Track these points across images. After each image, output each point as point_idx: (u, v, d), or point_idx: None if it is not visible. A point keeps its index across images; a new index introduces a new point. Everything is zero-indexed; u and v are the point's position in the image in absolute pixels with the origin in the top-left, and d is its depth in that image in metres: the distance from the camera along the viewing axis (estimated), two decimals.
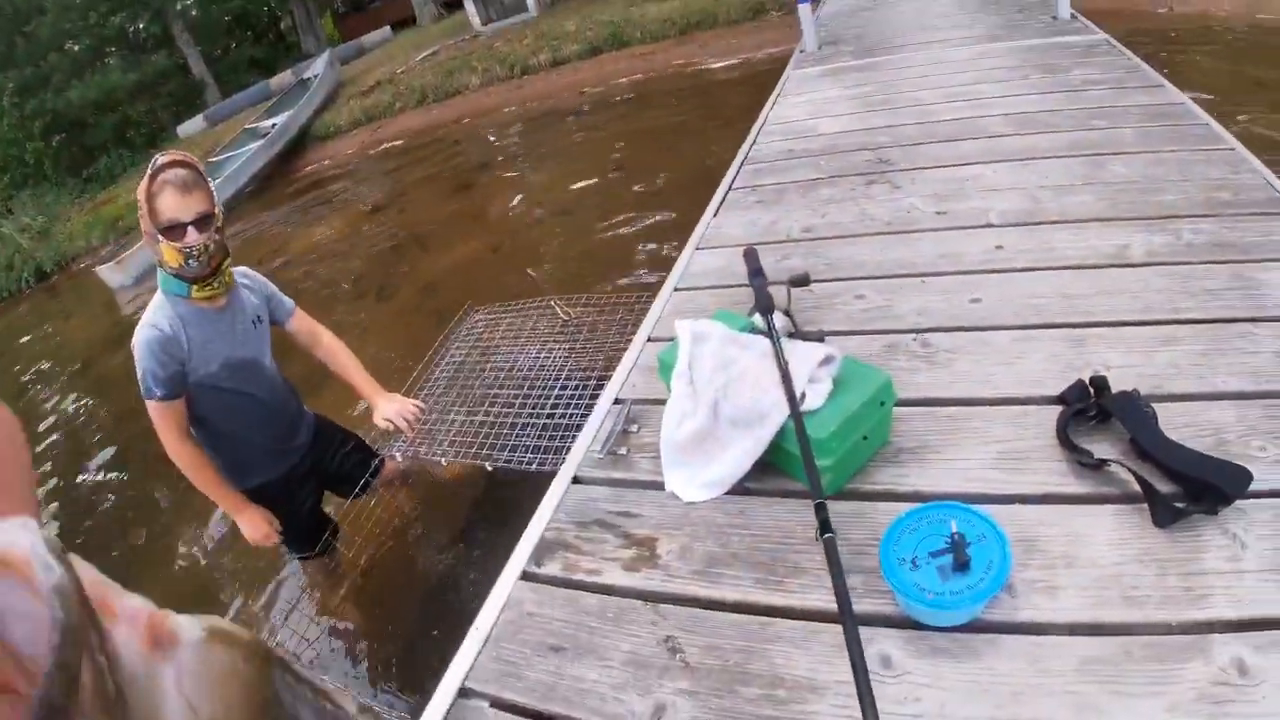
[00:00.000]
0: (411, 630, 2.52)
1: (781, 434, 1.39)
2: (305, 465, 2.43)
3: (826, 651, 1.19)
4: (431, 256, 5.97)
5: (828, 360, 1.41)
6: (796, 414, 1.32)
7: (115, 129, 16.39)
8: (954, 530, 1.20)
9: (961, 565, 1.15)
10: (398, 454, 2.58)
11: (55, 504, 4.13)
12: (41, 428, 5.44)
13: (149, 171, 1.86)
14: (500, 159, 8.51)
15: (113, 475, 4.42)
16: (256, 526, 2.33)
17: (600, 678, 1.23)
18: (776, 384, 1.40)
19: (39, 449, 5.11)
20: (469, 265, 5.42)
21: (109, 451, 4.71)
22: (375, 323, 5.04)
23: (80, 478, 4.54)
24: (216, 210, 1.94)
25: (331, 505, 2.78)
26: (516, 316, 2.93)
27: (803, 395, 1.37)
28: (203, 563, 3.25)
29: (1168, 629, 1.11)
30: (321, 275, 6.44)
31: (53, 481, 4.53)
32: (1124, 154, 2.48)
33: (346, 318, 5.14)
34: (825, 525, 1.17)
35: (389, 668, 2.46)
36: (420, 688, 2.17)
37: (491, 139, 9.38)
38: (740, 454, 1.42)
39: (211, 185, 1.94)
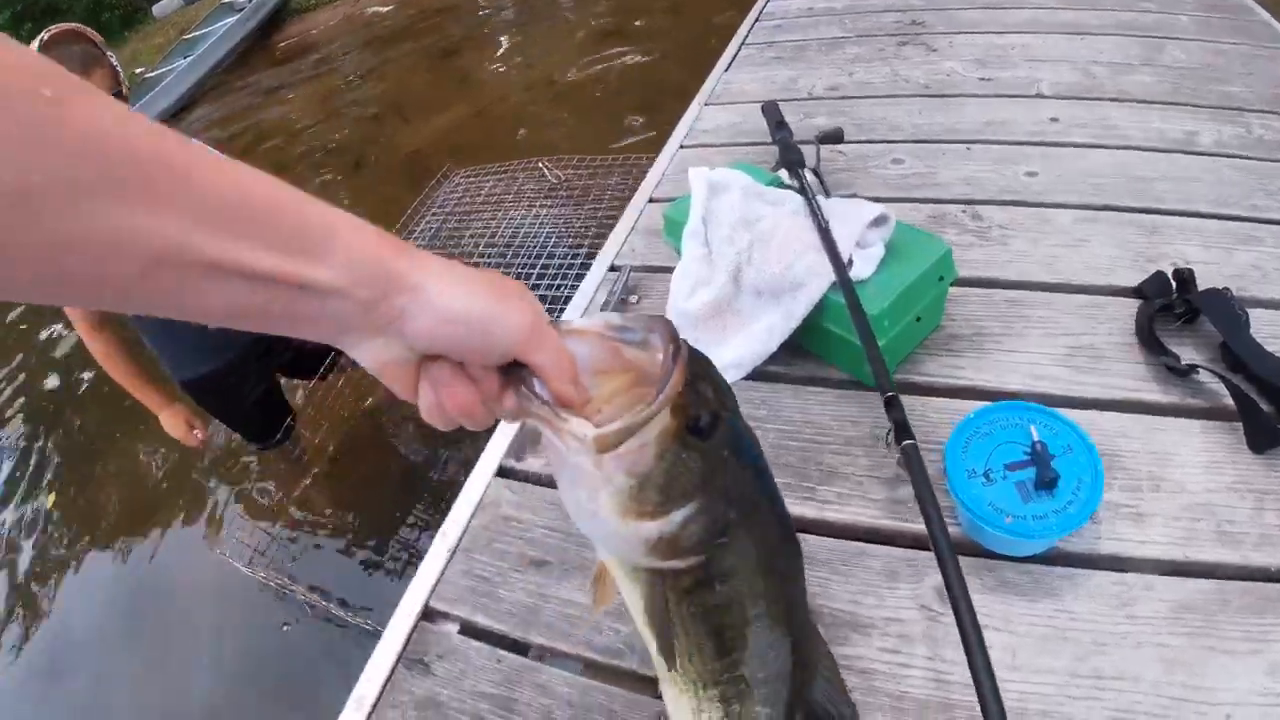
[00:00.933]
0: (383, 526, 2.27)
1: (820, 309, 1.09)
2: (257, 350, 2.14)
3: (872, 579, 0.95)
4: (413, 125, 5.48)
5: (880, 221, 1.10)
6: (847, 283, 1.02)
7: (88, 12, 15.01)
8: (1035, 438, 0.94)
9: (1047, 483, 0.89)
10: None
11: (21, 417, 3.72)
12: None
13: (34, 50, 1.46)
14: (489, 25, 7.83)
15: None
16: (175, 426, 2.14)
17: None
18: (814, 247, 1.10)
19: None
20: (452, 131, 4.96)
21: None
22: (351, 193, 4.62)
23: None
24: (124, 87, 1.63)
25: (298, 392, 2.48)
26: (500, 179, 2.57)
27: (849, 261, 1.07)
28: (159, 457, 2.93)
29: (1267, 575, 0.90)
30: (298, 147, 5.93)
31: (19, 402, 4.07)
32: (1181, 40, 2.14)
33: (322, 189, 4.70)
34: (903, 428, 0.88)
35: (357, 567, 2.22)
36: (390, 596, 1.97)
37: (481, 4, 8.63)
38: (766, 331, 1.12)
39: (113, 59, 1.60)
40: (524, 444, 1.20)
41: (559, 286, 1.95)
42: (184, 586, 2.41)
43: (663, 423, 0.54)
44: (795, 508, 1.03)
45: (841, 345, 1.09)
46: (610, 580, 0.70)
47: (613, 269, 1.49)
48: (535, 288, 2.02)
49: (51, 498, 2.99)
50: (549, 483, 1.14)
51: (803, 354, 1.19)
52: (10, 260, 0.34)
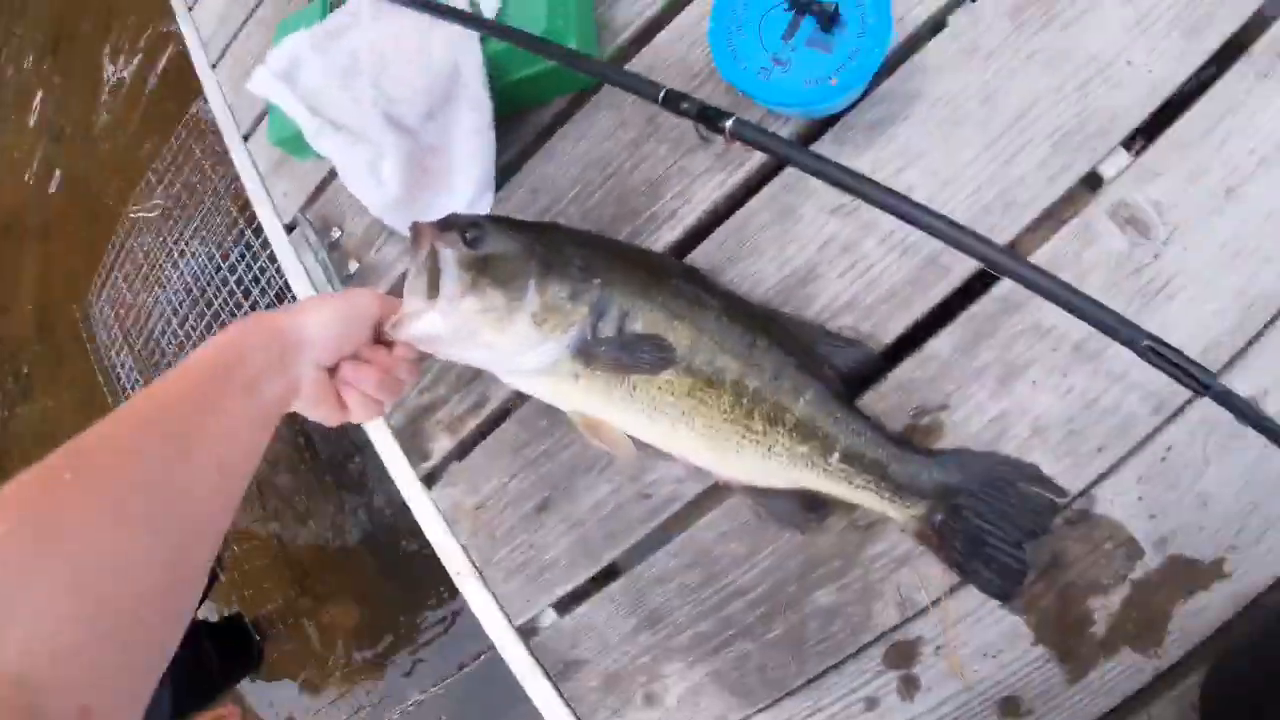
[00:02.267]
0: (406, 596, 2.05)
1: (499, 70, 0.85)
2: None
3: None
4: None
5: None
6: (496, 27, 0.79)
7: None
8: None
9: (827, 20, 0.73)
10: None
11: None
12: None
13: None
14: None
15: None
16: None
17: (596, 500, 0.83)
18: (424, 29, 0.83)
19: None
20: (38, 276, 3.67)
21: None
22: (47, 416, 3.54)
23: None
24: None
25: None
26: (123, 266, 2.03)
27: (473, 4, 0.81)
28: None
29: None
30: None
31: None
32: None
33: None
34: (707, 110, 0.70)
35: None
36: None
37: None
38: (474, 135, 0.89)
39: None
40: (418, 436, 0.98)
41: (265, 283, 1.56)
42: None
43: (448, 254, 0.70)
44: (658, 245, 0.87)
45: (545, 79, 0.86)
46: (600, 423, 0.75)
47: (290, 228, 1.17)
48: (251, 301, 1.63)
49: None
50: (471, 443, 0.95)
51: (517, 118, 0.95)
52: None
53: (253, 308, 1.58)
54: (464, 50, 0.84)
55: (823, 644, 0.79)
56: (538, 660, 0.88)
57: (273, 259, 1.46)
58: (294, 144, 0.99)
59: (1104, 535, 0.73)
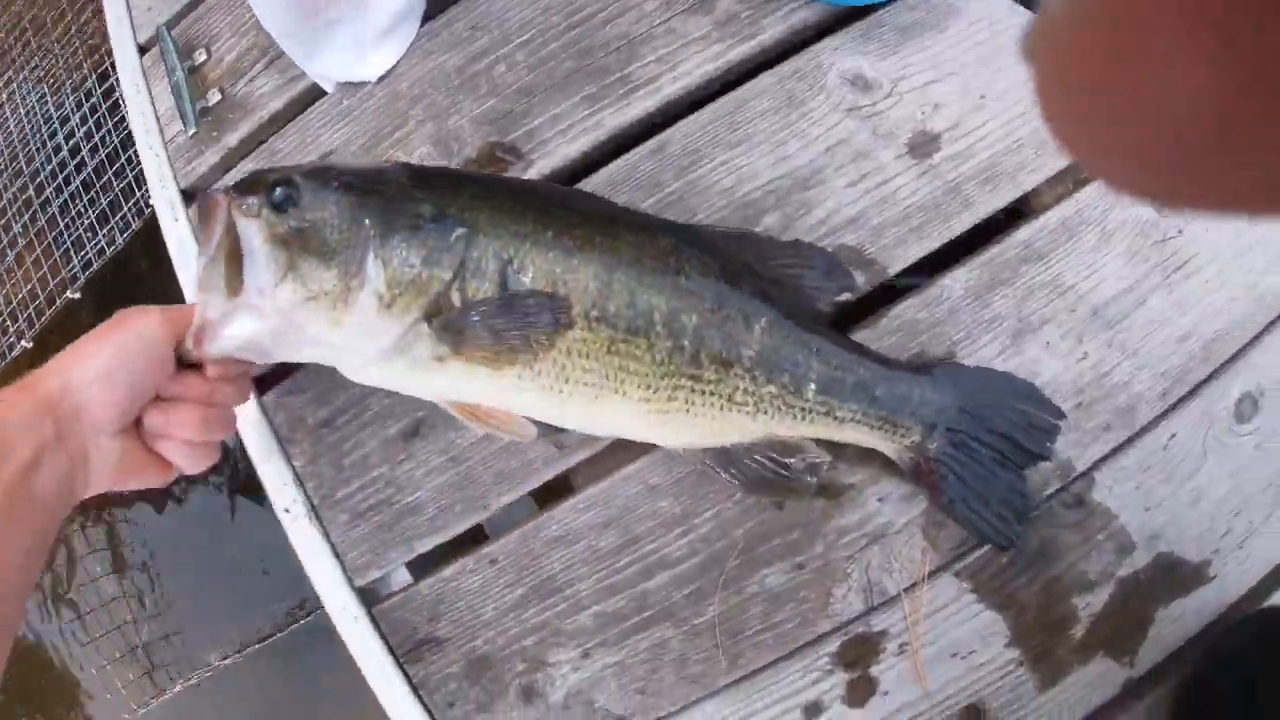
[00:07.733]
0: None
1: None
2: None
3: (773, 109, 0.53)
4: None
5: None
6: None
7: None
8: None
9: None
10: None
11: None
12: None
13: None
14: None
15: None
16: None
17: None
18: None
19: None
20: None
21: None
22: None
23: None
24: None
25: None
26: None
27: None
28: None
29: None
30: None
31: None
32: None
33: None
34: None
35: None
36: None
37: None
38: None
39: None
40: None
41: (99, 141, 0.99)
42: None
43: (251, 228, 0.42)
44: (626, 115, 0.53)
45: None
46: (479, 408, 0.47)
47: (144, 49, 0.70)
48: (78, 161, 1.05)
49: None
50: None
51: None
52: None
53: (78, 171, 1.02)
54: None
55: (765, 634, 0.53)
56: (381, 633, 0.53)
57: (115, 110, 0.94)
58: None
59: (1098, 525, 0.52)
